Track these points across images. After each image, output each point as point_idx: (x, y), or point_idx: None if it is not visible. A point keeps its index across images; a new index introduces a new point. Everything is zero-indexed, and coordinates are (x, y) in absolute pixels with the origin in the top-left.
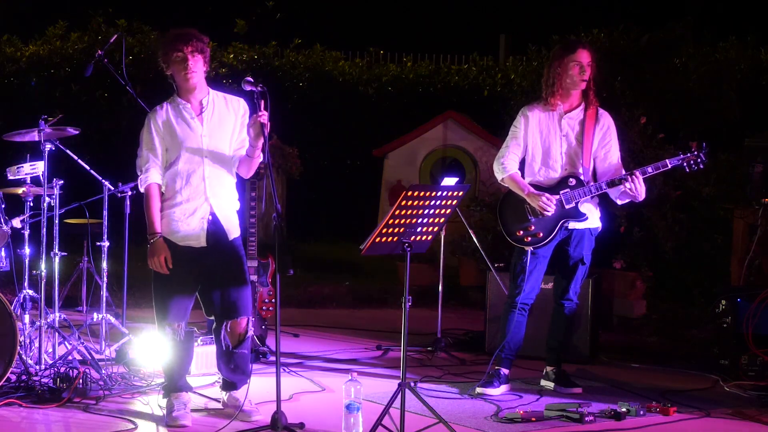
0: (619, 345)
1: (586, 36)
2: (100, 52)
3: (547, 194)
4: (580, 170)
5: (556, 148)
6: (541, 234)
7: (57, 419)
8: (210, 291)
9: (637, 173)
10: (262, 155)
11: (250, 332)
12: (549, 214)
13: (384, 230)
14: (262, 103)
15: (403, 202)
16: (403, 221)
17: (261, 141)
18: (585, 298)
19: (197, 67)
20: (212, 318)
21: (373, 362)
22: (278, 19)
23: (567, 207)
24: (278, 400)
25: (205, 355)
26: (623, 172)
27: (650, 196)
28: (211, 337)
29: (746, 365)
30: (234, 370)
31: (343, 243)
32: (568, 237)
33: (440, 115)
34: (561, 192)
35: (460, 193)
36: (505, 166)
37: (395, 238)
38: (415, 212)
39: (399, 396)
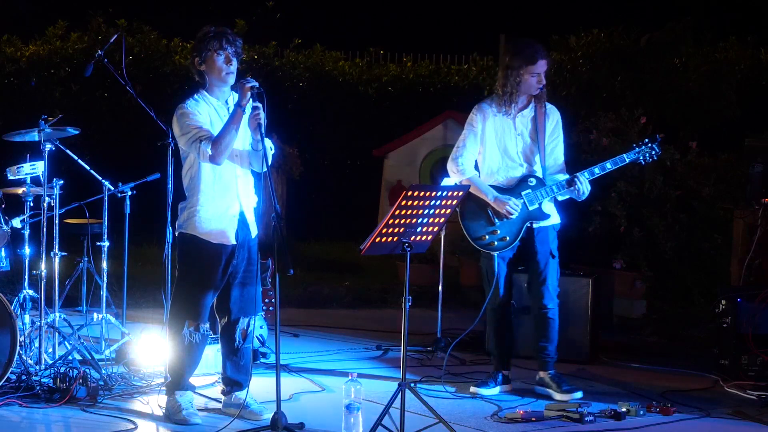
0: (619, 345)
1: (586, 36)
2: (100, 52)
3: (513, 199)
4: (539, 169)
5: (513, 147)
6: (508, 238)
7: (57, 419)
8: (230, 288)
9: (581, 175)
10: (272, 146)
11: (252, 328)
12: (514, 217)
13: (384, 230)
14: (260, 102)
15: (403, 202)
16: (403, 221)
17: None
18: (585, 298)
19: (235, 68)
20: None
21: (374, 362)
22: (278, 19)
23: (531, 208)
24: (278, 400)
25: (205, 355)
26: (564, 167)
27: (650, 196)
28: (215, 338)
29: (746, 365)
30: (240, 367)
31: (343, 243)
32: (531, 236)
33: (440, 115)
34: (523, 193)
35: (460, 193)
36: (463, 168)
37: (395, 238)
38: (415, 212)
39: (399, 396)
